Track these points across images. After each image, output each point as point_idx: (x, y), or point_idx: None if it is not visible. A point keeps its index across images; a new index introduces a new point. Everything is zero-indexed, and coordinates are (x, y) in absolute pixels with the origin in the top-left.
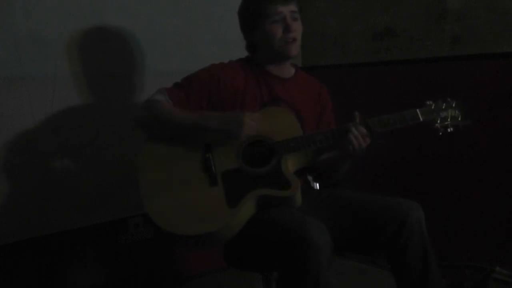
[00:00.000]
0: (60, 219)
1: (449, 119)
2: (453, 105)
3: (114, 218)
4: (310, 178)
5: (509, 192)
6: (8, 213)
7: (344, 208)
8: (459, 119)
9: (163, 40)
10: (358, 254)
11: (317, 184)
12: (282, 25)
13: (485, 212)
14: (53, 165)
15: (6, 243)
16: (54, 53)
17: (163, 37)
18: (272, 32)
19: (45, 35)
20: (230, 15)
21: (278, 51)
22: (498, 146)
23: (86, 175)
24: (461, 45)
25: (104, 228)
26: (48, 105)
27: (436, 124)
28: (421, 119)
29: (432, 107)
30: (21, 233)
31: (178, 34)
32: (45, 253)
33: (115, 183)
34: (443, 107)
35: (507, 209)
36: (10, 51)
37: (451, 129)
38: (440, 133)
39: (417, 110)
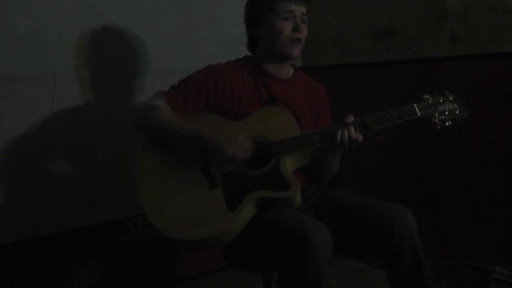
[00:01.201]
0: (60, 219)
1: (446, 113)
2: (451, 98)
3: (114, 218)
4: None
5: (509, 192)
6: (8, 213)
7: (337, 211)
8: (457, 112)
9: (163, 40)
10: (354, 256)
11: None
12: (292, 23)
13: (485, 212)
14: (53, 165)
15: (6, 243)
16: (54, 53)
17: (163, 37)
18: (280, 28)
19: (45, 35)
20: (230, 15)
21: (281, 49)
22: (498, 146)
23: (86, 175)
24: (461, 45)
25: (104, 228)
26: (48, 105)
27: (434, 119)
28: (419, 114)
29: (430, 101)
30: (21, 233)
31: (178, 34)
32: (45, 253)
33: (115, 183)
34: (441, 100)
35: (507, 209)
36: (10, 51)
37: (449, 122)
38: (438, 127)
39: (415, 104)
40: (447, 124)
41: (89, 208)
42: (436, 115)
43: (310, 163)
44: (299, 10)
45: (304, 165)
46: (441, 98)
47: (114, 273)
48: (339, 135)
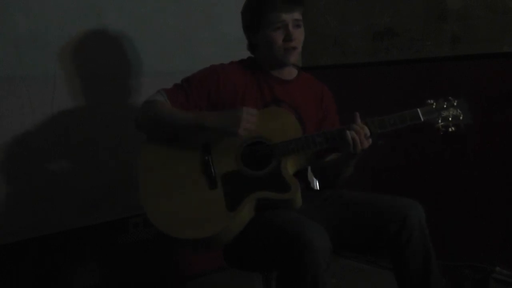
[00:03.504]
0: (60, 219)
1: (450, 119)
2: (455, 104)
3: (114, 218)
4: (313, 179)
5: (509, 192)
6: (8, 213)
7: (345, 207)
8: (461, 118)
9: (163, 40)
10: (360, 253)
11: (317, 184)
12: (283, 33)
13: (485, 212)
14: (53, 165)
15: (6, 243)
16: (54, 53)
17: (163, 37)
18: (273, 39)
19: (45, 35)
20: (230, 15)
21: (277, 57)
22: (498, 146)
23: (86, 175)
24: (461, 45)
25: (104, 228)
26: (48, 105)
27: (437, 124)
28: (422, 119)
29: (434, 106)
30: (21, 233)
31: (178, 34)
32: (45, 253)
33: (115, 183)
34: (445, 106)
35: (507, 209)
36: (10, 51)
37: (452, 128)
38: (441, 133)
39: (418, 109)
40: (450, 130)
41: (89, 208)
42: (440, 121)
43: (322, 165)
44: (290, 17)
45: (306, 166)
46: (445, 103)
47: (114, 273)
48: (345, 137)
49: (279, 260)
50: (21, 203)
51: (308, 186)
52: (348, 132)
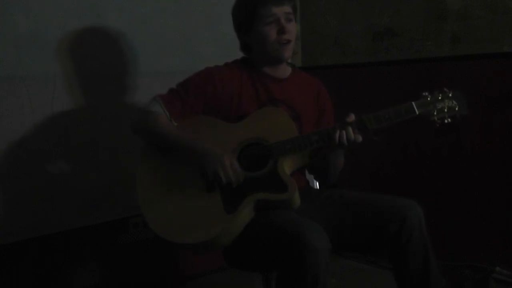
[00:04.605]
0: (60, 219)
1: (446, 110)
2: (450, 95)
3: (114, 218)
4: (312, 179)
5: (509, 192)
6: (8, 213)
7: (345, 207)
8: (456, 109)
9: (163, 40)
10: (360, 253)
11: (317, 184)
12: (276, 26)
13: (485, 212)
14: (53, 165)
15: (6, 243)
16: (54, 53)
17: (163, 37)
18: (266, 34)
19: (45, 35)
20: (230, 15)
21: (271, 53)
22: (498, 146)
23: (86, 175)
24: (461, 45)
25: (104, 228)
26: (48, 105)
27: (433, 117)
28: (417, 112)
29: (428, 99)
30: (21, 233)
31: (178, 34)
32: (45, 253)
33: (115, 183)
34: (440, 97)
35: (507, 209)
36: (10, 51)
37: (449, 120)
38: (437, 125)
39: (413, 102)
40: (446, 121)
41: (89, 208)
42: (435, 113)
43: (315, 161)
44: (281, 10)
45: (304, 166)
46: (440, 95)
47: (114, 273)
48: (337, 136)
49: (279, 260)
50: (21, 203)
51: (307, 185)
52: (337, 132)
